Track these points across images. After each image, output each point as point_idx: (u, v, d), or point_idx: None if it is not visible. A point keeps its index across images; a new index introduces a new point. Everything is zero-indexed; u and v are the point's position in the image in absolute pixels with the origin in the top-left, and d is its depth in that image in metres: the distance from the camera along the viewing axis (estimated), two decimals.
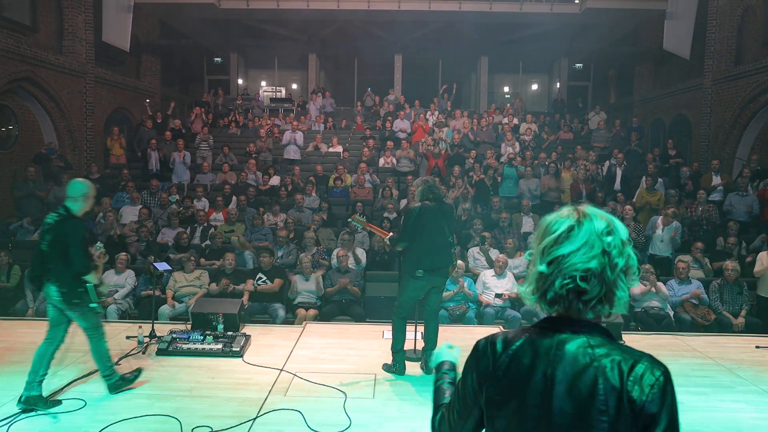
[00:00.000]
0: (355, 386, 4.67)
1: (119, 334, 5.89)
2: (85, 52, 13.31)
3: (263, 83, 21.04)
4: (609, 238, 1.29)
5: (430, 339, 5.01)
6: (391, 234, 5.11)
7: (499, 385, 1.34)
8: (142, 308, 7.07)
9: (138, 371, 4.68)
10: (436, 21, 16.77)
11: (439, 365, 1.73)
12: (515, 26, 17.23)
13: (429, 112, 15.12)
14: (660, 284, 7.24)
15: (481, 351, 1.41)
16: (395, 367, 4.95)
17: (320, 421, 4.01)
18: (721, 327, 6.91)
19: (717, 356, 5.55)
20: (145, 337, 5.47)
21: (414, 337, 5.36)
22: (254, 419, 4.04)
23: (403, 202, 10.04)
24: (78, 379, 4.68)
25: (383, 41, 18.40)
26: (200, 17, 16.57)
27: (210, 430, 3.86)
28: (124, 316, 7.01)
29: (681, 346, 5.86)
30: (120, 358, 5.14)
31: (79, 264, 4.13)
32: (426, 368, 5.00)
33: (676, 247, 8.10)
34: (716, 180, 9.93)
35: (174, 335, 5.45)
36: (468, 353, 1.47)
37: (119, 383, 4.46)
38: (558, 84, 20.42)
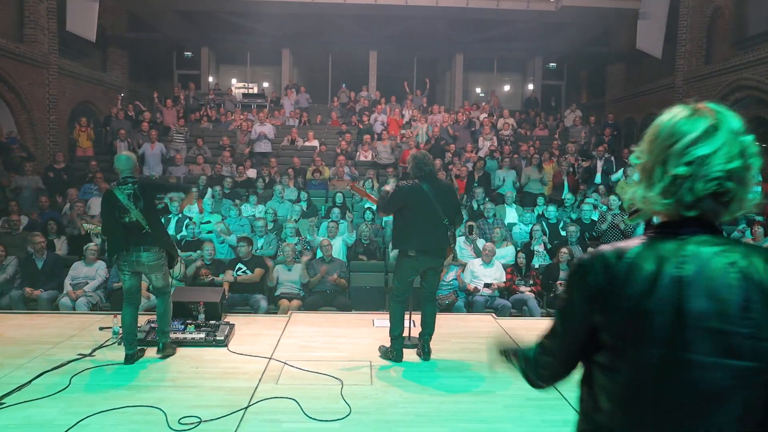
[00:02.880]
0: (351, 373, 4.41)
1: (91, 325, 5.50)
2: (47, 42, 12.66)
3: (233, 80, 20.54)
4: (745, 138, 1.22)
5: (428, 324, 4.77)
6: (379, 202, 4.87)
7: (619, 298, 1.19)
8: (115, 300, 6.65)
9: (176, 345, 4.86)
10: (412, 17, 16.61)
11: (504, 359, 1.58)
12: (491, 23, 17.20)
13: (404, 108, 14.99)
14: None
15: (588, 266, 1.25)
16: (392, 354, 4.70)
17: (317, 409, 3.74)
18: None
19: None
20: (120, 327, 5.08)
21: (409, 324, 5.11)
22: (246, 408, 3.74)
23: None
24: (47, 371, 4.29)
25: (358, 37, 18.15)
26: (170, 9, 16.09)
27: (198, 420, 3.55)
28: (95, 309, 6.58)
29: None
30: (94, 349, 4.78)
31: (183, 187, 5.03)
32: (423, 354, 4.77)
33: None
34: None
35: (152, 325, 5.09)
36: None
37: (169, 348, 4.70)
38: (531, 83, 20.53)
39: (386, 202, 4.75)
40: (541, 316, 6.74)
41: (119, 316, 5.19)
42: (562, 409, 3.82)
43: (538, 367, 1.42)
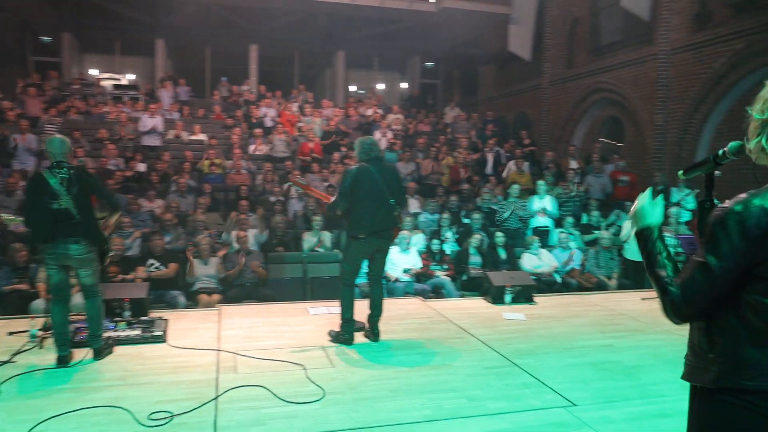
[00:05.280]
0: (308, 358, 4.39)
1: None
2: None
3: (96, 71, 18.87)
4: None
5: (376, 305, 4.87)
6: (333, 198, 4.88)
7: None
8: (7, 305, 5.94)
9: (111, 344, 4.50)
10: (295, 11, 16.49)
11: (644, 231, 1.66)
12: (373, 21, 17.55)
13: (292, 103, 14.87)
14: (547, 253, 7.87)
15: (745, 213, 1.41)
16: (344, 337, 4.73)
17: (290, 394, 3.69)
18: (600, 288, 7.67)
19: (616, 309, 6.14)
20: (39, 330, 4.59)
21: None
22: (215, 399, 3.60)
23: (285, 186, 9.63)
24: None
25: (238, 30, 17.62)
26: None
27: (170, 414, 3.35)
28: None
29: (585, 303, 6.41)
30: (13, 354, 4.27)
31: (116, 200, 4.54)
32: (373, 336, 4.86)
33: (553, 217, 8.88)
34: (573, 164, 11.03)
35: (77, 325, 4.65)
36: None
37: (105, 348, 4.35)
38: (408, 81, 21.25)
39: (339, 193, 4.76)
40: (459, 297, 7.12)
41: (37, 318, 4.75)
42: (517, 374, 4.13)
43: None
